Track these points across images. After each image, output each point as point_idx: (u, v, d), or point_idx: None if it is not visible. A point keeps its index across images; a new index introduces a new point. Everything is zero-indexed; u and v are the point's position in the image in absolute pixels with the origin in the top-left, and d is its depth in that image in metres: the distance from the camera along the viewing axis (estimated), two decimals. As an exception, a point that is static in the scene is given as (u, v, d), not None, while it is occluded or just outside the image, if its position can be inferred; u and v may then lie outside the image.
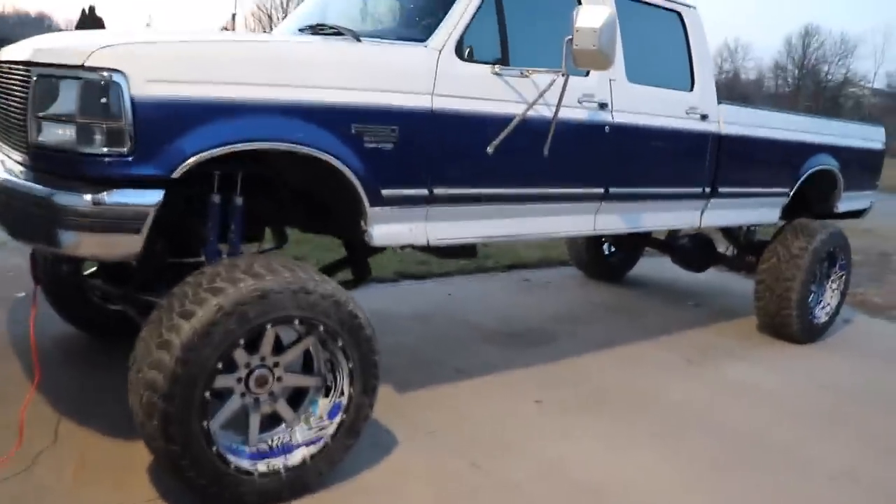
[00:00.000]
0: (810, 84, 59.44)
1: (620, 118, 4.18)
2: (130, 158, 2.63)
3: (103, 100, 2.59)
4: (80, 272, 3.58)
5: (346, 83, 3.10)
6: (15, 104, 2.93)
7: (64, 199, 2.63)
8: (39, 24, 48.65)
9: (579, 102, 3.92)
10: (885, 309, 7.50)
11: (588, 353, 5.17)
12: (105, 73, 2.59)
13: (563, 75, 3.46)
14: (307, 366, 3.07)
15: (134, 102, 2.61)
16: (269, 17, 51.54)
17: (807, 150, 5.79)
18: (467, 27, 3.50)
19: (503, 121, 3.53)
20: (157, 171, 2.68)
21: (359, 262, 3.81)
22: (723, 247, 6.63)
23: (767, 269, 5.77)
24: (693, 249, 6.58)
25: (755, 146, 5.31)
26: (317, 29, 3.79)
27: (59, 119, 2.68)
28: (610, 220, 4.37)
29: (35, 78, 2.73)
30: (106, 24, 33.67)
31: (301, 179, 3.35)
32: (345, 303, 2.96)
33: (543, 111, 3.63)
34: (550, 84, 3.50)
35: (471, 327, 5.49)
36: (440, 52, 3.42)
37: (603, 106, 4.08)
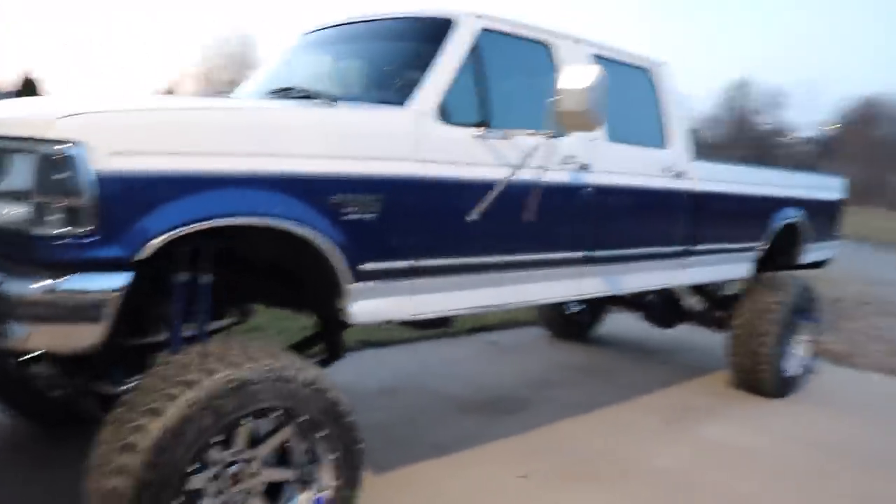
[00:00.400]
0: (746, 134, 61.21)
1: (601, 179, 4.05)
2: (92, 239, 2.37)
3: (63, 175, 2.32)
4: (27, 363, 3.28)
5: (325, 151, 2.89)
6: None
7: (11, 286, 2.35)
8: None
9: (561, 164, 3.76)
10: (846, 356, 7.48)
11: (566, 419, 4.97)
12: (65, 146, 2.32)
13: (548, 137, 3.31)
14: (284, 457, 2.79)
15: (97, 177, 2.35)
16: (210, 78, 51.25)
17: (777, 204, 5.77)
18: (449, 88, 3.34)
19: (487, 186, 3.36)
20: (121, 252, 2.42)
21: (332, 338, 3.55)
22: (690, 302, 6.54)
23: (741, 325, 5.68)
24: (661, 306, 6.47)
25: (730, 202, 5.26)
26: (286, 93, 3.59)
27: (10, 196, 2.41)
28: (594, 283, 4.21)
29: None
30: (40, 90, 32.75)
31: (272, 253, 3.10)
32: (327, 390, 2.71)
33: (526, 174, 3.46)
34: (536, 147, 3.34)
35: (443, 398, 5.24)
36: (422, 114, 3.24)
37: (584, 167, 3.95)
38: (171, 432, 2.33)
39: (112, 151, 2.39)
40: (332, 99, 3.22)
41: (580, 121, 3.24)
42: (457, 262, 3.38)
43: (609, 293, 4.40)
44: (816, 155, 51.14)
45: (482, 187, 3.36)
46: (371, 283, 3.05)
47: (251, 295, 3.43)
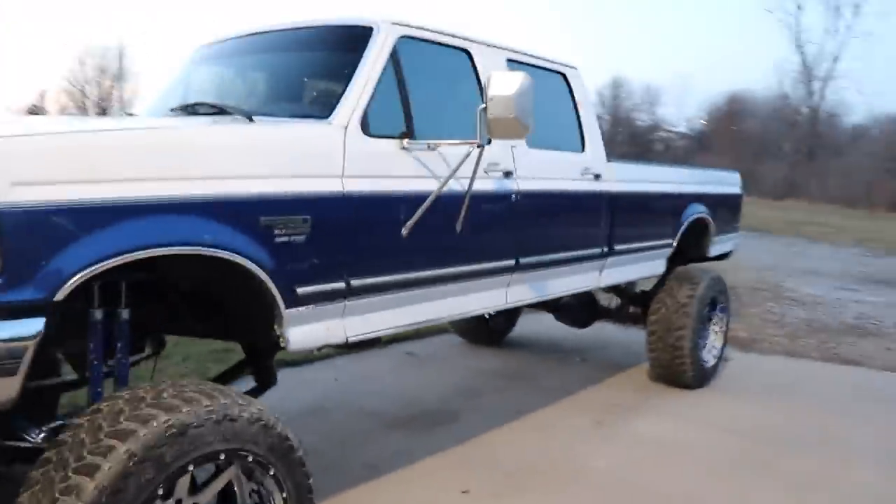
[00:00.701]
0: (625, 130, 63.16)
1: (525, 185, 3.99)
2: None
3: None
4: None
5: (250, 171, 2.70)
6: None
7: None
8: None
9: (486, 172, 3.68)
10: (752, 342, 7.76)
11: (498, 427, 4.90)
12: None
13: (477, 146, 3.22)
14: (228, 499, 2.58)
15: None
16: (83, 91, 48.92)
17: (686, 200, 5.89)
18: (371, 99, 3.20)
19: (415, 199, 3.23)
20: (34, 294, 2.16)
21: (262, 366, 3.35)
22: (604, 300, 6.60)
23: (658, 321, 5.76)
24: (577, 306, 6.50)
25: (644, 201, 5.32)
26: (192, 109, 3.36)
27: None
28: (521, 291, 4.15)
29: None
30: None
31: (192, 281, 2.88)
32: (273, 425, 2.53)
33: (453, 185, 3.36)
34: (465, 157, 3.25)
35: (369, 415, 5.07)
36: (346, 128, 3.08)
37: (508, 174, 3.88)
38: (109, 491, 2.09)
39: (13, 181, 2.13)
40: (247, 115, 3.03)
41: (510, 128, 3.16)
42: (390, 279, 3.24)
43: (535, 300, 4.36)
44: (692, 150, 53.26)
45: (411, 201, 3.23)
46: (306, 308, 2.88)
47: (166, 325, 3.20)
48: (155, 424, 2.22)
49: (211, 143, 2.68)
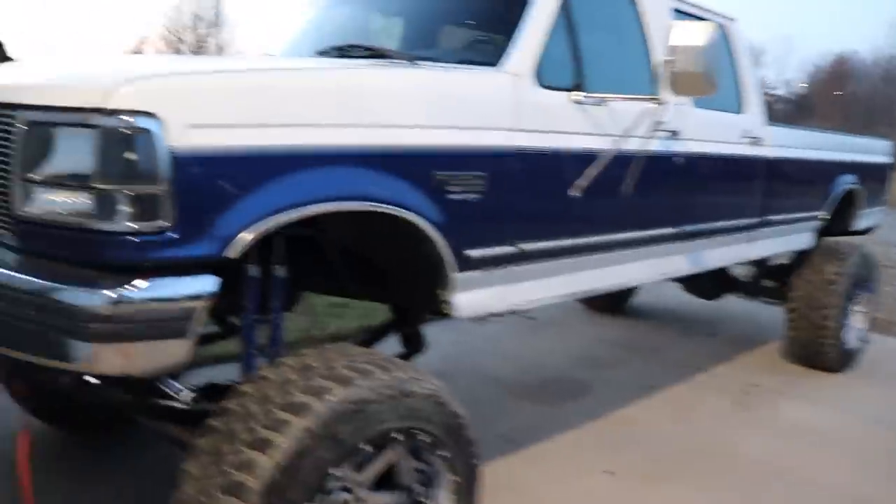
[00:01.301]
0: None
1: (689, 147, 3.66)
2: (171, 235, 1.93)
3: (133, 155, 1.87)
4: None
5: (427, 120, 2.46)
6: None
7: (74, 297, 1.90)
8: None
9: (655, 132, 3.35)
10: (890, 325, 7.21)
11: (631, 403, 4.62)
12: (133, 118, 1.87)
13: (656, 103, 2.90)
14: (390, 481, 2.38)
15: (174, 157, 1.90)
16: (180, 39, 49.67)
17: (839, 169, 5.42)
18: (543, 46, 2.90)
19: (585, 158, 2.95)
20: (208, 249, 1.98)
21: (412, 331, 3.14)
22: (737, 272, 6.19)
23: (800, 297, 5.34)
24: (707, 276, 6.11)
25: (800, 169, 4.91)
26: (344, 52, 3.12)
27: (62, 184, 1.95)
28: (678, 261, 3.83)
29: (24, 126, 2.00)
30: (6, 51, 31.40)
31: (354, 238, 2.68)
32: (447, 402, 2.31)
33: (627, 144, 3.05)
34: (640, 113, 2.93)
35: (494, 382, 4.86)
36: (519, 77, 2.80)
37: (674, 134, 3.54)
38: (285, 469, 1.91)
39: (190, 124, 1.94)
40: (411, 59, 2.77)
41: (695, 84, 2.84)
42: (557, 244, 2.98)
43: (692, 271, 4.03)
44: (791, 114, 51.00)
45: (581, 160, 2.95)
46: (476, 272, 2.64)
47: (318, 283, 3.01)
48: (331, 398, 2.02)
49: (385, 87, 2.44)
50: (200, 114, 1.97)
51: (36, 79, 2.23)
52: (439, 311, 2.67)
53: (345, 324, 5.55)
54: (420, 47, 3.41)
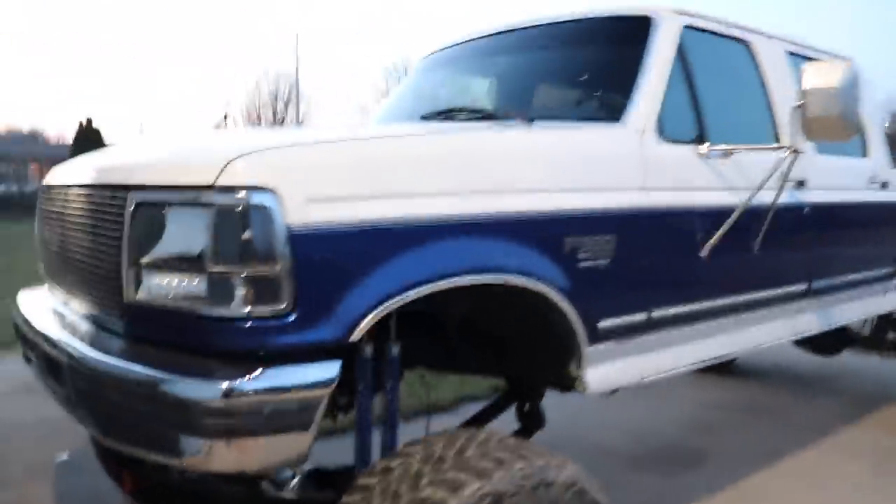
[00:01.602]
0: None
1: (817, 197, 3.39)
2: (290, 319, 1.78)
3: (247, 234, 1.74)
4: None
5: (553, 183, 2.29)
6: (95, 245, 2.10)
7: (185, 388, 1.74)
8: (33, 141, 47.71)
9: (782, 182, 3.11)
10: None
11: (756, 472, 4.25)
12: (248, 194, 1.75)
13: (792, 151, 2.66)
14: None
15: (292, 234, 1.76)
16: (259, 116, 51.46)
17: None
18: (662, 99, 2.72)
19: (714, 215, 2.73)
20: (330, 334, 1.83)
21: (531, 408, 2.92)
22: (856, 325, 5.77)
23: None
24: (828, 331, 5.71)
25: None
26: (449, 115, 2.99)
27: (174, 267, 1.83)
28: (809, 319, 3.54)
29: (132, 207, 1.90)
30: (104, 137, 32.94)
31: (474, 312, 2.49)
32: (588, 490, 2.08)
33: (751, 197, 2.81)
34: (769, 164, 2.70)
35: (604, 453, 4.56)
36: (642, 132, 2.61)
37: (801, 184, 3.29)
38: (423, 578, 1.71)
39: (308, 198, 1.80)
40: (526, 119, 2.61)
41: (832, 128, 2.60)
42: (688, 309, 2.75)
43: (824, 328, 3.72)
44: None
45: (709, 217, 2.73)
46: (608, 344, 2.43)
47: (433, 361, 2.83)
48: (466, 494, 1.81)
49: (508, 150, 2.28)
50: (319, 187, 1.84)
51: (144, 158, 2.16)
52: (568, 387, 2.46)
53: (439, 395, 5.33)
54: (523, 108, 3.26)
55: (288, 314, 1.77)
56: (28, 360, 2.54)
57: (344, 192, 1.87)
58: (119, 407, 1.88)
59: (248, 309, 1.75)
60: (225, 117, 42.24)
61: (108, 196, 2.05)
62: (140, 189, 1.92)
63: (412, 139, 2.20)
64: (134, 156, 2.25)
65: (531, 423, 2.91)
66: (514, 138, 2.38)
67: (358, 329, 1.85)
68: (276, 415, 1.77)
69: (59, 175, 2.66)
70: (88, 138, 30.91)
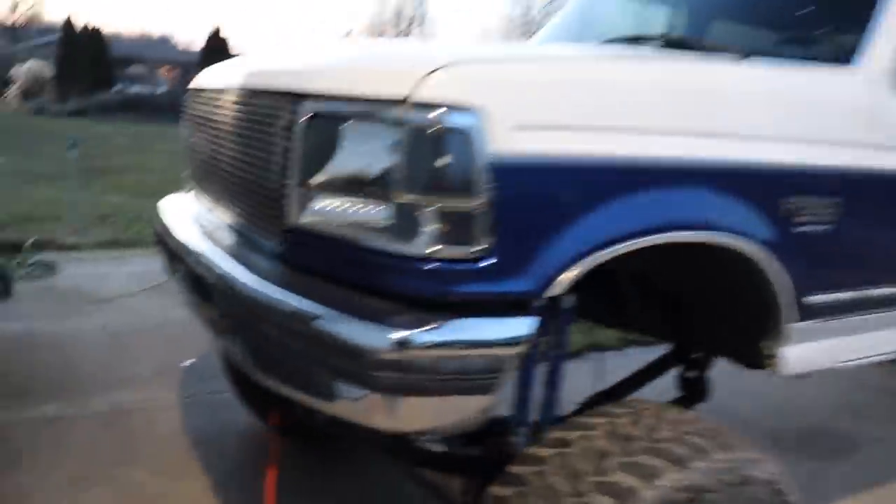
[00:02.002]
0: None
1: None
2: (486, 264, 1.54)
3: (444, 160, 1.49)
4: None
5: (774, 131, 1.95)
6: (254, 158, 1.91)
7: (355, 333, 1.53)
8: (164, 46, 49.11)
9: None
10: None
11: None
12: (449, 113, 1.49)
13: None
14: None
15: (496, 165, 1.51)
16: (381, 36, 51.35)
17: None
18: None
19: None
20: (530, 285, 1.58)
21: (698, 377, 2.64)
22: None
23: None
24: None
25: None
26: (639, 43, 2.64)
27: (349, 190, 1.61)
28: None
29: (307, 119, 1.67)
30: (230, 47, 33.41)
31: (657, 270, 2.21)
32: (785, 492, 1.80)
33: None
34: None
35: (746, 425, 4.23)
36: (874, 80, 2.22)
37: None
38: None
39: (517, 124, 1.55)
40: (741, 53, 2.25)
41: None
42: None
43: None
44: None
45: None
46: (813, 322, 2.10)
47: (603, 317, 2.59)
48: (662, 484, 1.57)
49: (734, 89, 1.95)
50: (532, 111, 1.58)
51: (322, 64, 1.93)
52: (756, 364, 2.16)
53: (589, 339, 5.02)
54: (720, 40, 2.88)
55: (482, 258, 1.54)
56: (172, 272, 2.42)
57: (560, 119, 1.61)
58: (272, 341, 1.71)
59: (435, 248, 1.52)
60: (348, 33, 42.27)
61: (274, 104, 1.84)
62: (316, 98, 1.70)
63: (633, 64, 1.90)
64: (307, 61, 2.03)
65: (694, 393, 2.62)
66: (740, 75, 2.03)
67: (557, 282, 1.60)
68: (456, 373, 1.55)
69: (212, 78, 2.48)
70: (216, 48, 31.40)
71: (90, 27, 32.84)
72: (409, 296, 1.55)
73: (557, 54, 1.88)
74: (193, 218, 2.42)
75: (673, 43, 2.51)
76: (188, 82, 2.78)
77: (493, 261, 1.53)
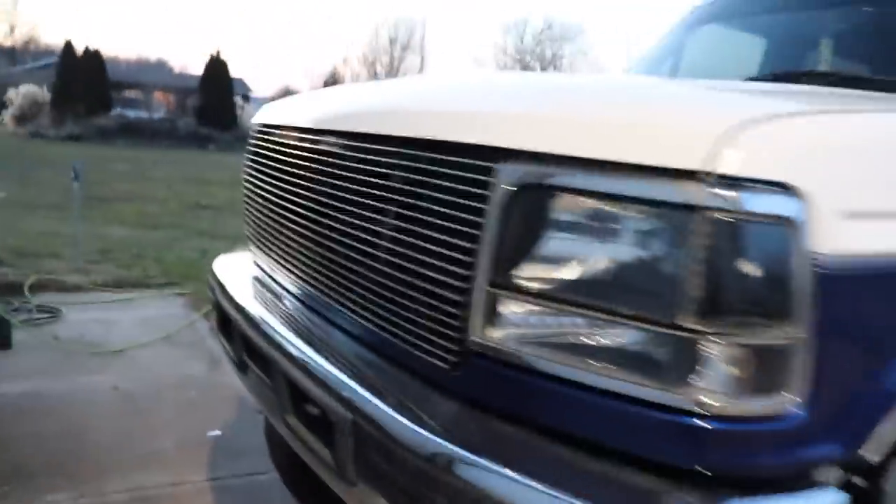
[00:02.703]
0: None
1: None
2: (794, 420, 0.99)
3: (756, 266, 0.96)
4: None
5: None
6: (404, 228, 1.34)
7: None
8: (160, 71, 48.81)
9: None
10: None
11: None
12: (767, 196, 0.96)
13: None
14: None
15: (822, 273, 0.97)
16: (373, 63, 51.07)
17: None
18: None
19: None
20: (841, 447, 1.04)
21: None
22: None
23: None
24: None
25: None
26: (812, 79, 2.11)
27: (581, 303, 1.07)
28: None
29: (509, 188, 1.13)
30: (230, 70, 33.02)
31: None
32: None
33: None
34: None
35: None
36: None
37: None
38: None
39: (846, 209, 1.01)
40: None
41: None
42: None
43: None
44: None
45: None
46: None
47: None
48: None
49: None
50: (860, 191, 1.04)
51: (519, 108, 1.32)
52: None
53: None
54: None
55: (796, 412, 0.98)
56: (242, 368, 1.85)
57: (887, 201, 1.06)
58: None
59: (729, 401, 0.96)
60: (342, 63, 42.08)
61: (439, 161, 1.27)
62: (531, 161, 1.13)
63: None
64: (496, 102, 1.43)
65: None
66: None
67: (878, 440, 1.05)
68: None
69: (294, 113, 1.93)
70: (216, 72, 31.03)
71: (91, 50, 32.42)
72: (671, 466, 1.00)
73: (857, 106, 1.34)
74: (271, 297, 1.87)
75: (849, 81, 1.98)
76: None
77: (809, 415, 0.99)
